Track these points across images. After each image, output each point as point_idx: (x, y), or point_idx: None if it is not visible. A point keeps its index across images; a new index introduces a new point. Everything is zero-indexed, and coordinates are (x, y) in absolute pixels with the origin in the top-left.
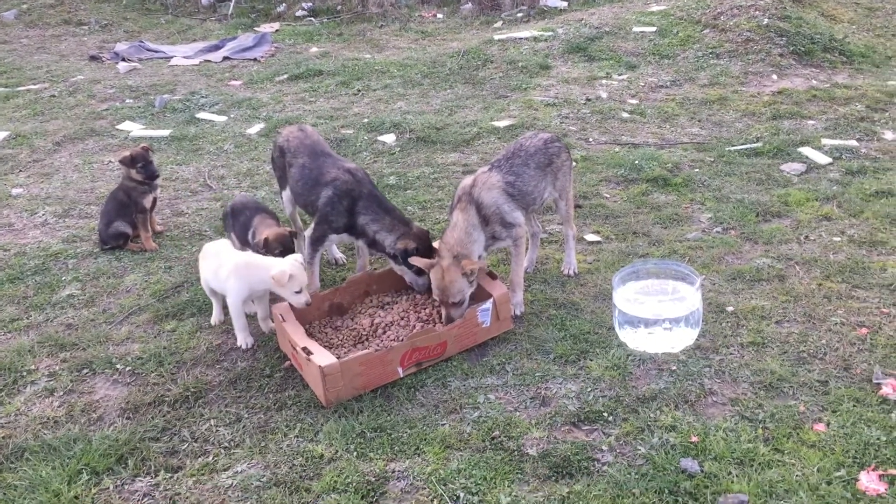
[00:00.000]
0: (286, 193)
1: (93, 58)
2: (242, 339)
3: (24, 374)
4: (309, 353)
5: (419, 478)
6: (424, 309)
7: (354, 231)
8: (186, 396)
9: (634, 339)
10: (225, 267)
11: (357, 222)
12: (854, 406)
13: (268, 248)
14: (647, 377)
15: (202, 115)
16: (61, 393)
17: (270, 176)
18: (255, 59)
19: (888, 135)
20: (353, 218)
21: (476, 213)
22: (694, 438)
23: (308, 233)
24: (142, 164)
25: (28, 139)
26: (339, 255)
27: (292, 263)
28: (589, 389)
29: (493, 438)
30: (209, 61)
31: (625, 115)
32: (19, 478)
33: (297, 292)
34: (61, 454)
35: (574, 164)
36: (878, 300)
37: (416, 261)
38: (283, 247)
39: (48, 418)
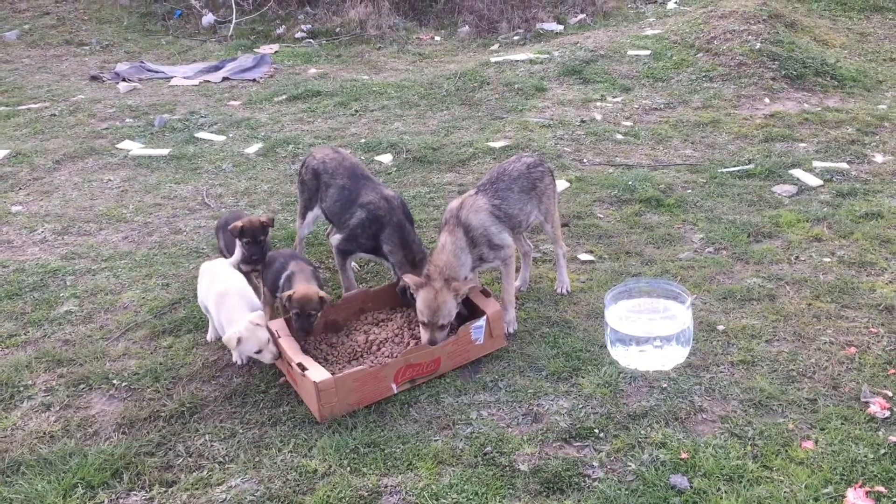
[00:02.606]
0: (311, 214)
1: (93, 77)
2: (237, 356)
3: (21, 388)
4: (304, 368)
5: (412, 493)
6: (419, 326)
7: (380, 254)
8: (182, 412)
9: (626, 357)
10: (211, 291)
11: (381, 248)
12: (842, 424)
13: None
14: (638, 394)
15: (201, 134)
16: (58, 408)
17: (268, 195)
18: (254, 80)
19: (878, 158)
20: (377, 242)
21: (464, 235)
22: (684, 455)
23: (335, 242)
24: (248, 241)
25: (28, 157)
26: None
27: (245, 326)
28: (580, 406)
29: (485, 454)
30: (209, 82)
31: (619, 136)
32: (15, 492)
33: (257, 352)
34: (57, 468)
35: (568, 184)
36: (866, 320)
37: (408, 278)
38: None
39: (44, 433)
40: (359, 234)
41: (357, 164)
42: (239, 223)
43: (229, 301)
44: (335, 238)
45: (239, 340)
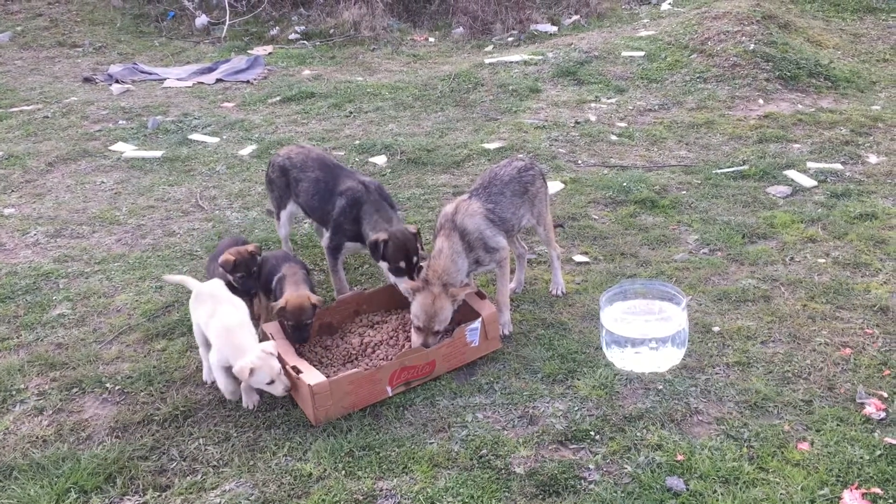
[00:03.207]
0: (285, 213)
1: (86, 79)
2: (247, 399)
3: (14, 392)
4: (298, 371)
5: (407, 496)
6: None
7: (362, 240)
8: (175, 415)
9: (621, 359)
10: (213, 322)
11: (361, 230)
12: (838, 425)
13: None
14: (634, 396)
15: (195, 136)
16: (51, 412)
17: (262, 196)
18: (247, 82)
19: (872, 158)
20: (359, 227)
21: (460, 239)
22: (680, 457)
23: (325, 242)
24: (241, 276)
25: (21, 160)
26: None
27: (258, 355)
28: (576, 408)
29: (480, 457)
30: (202, 83)
31: (613, 137)
32: (7, 497)
33: (268, 384)
34: (50, 473)
35: (563, 185)
36: (861, 321)
37: (407, 283)
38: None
39: (37, 437)
40: (342, 221)
41: (324, 155)
42: (231, 257)
43: (238, 332)
44: (325, 238)
45: (251, 371)
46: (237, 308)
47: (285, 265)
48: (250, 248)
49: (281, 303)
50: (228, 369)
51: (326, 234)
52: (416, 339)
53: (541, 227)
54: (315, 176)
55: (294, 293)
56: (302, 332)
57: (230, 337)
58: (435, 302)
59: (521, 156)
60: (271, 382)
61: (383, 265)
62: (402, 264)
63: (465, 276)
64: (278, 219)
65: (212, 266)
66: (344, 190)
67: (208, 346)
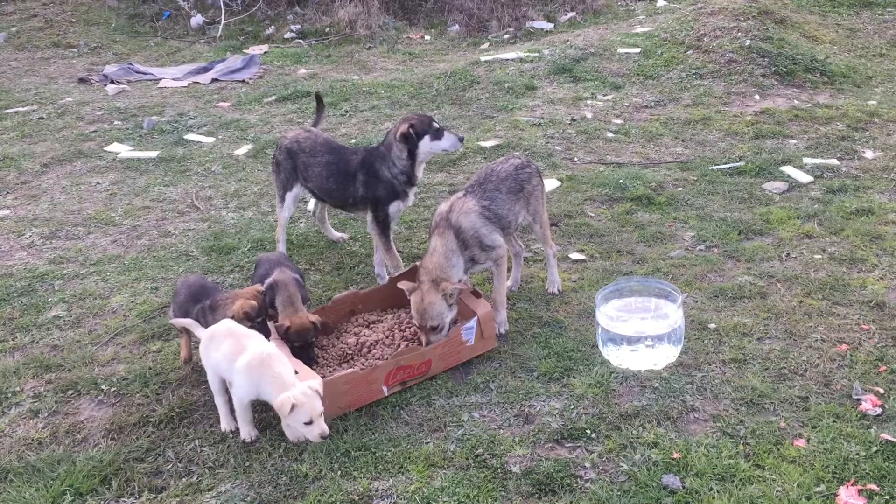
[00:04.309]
0: (290, 195)
1: (81, 80)
2: (246, 431)
3: (9, 395)
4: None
5: (403, 496)
6: (409, 328)
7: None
8: (171, 417)
9: (617, 357)
10: (243, 358)
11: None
12: (834, 422)
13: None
14: (630, 394)
15: (190, 136)
16: (46, 414)
17: (258, 196)
18: (243, 81)
19: (868, 154)
20: (378, 180)
21: (454, 237)
22: (676, 455)
23: (373, 220)
24: (260, 320)
25: (16, 161)
26: (336, 234)
27: (304, 391)
28: (572, 407)
29: (476, 456)
30: (198, 83)
31: (609, 134)
32: (3, 499)
33: (306, 423)
34: (45, 475)
35: (559, 183)
36: (857, 317)
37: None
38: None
39: (32, 439)
40: (376, 188)
41: (330, 139)
42: (254, 302)
43: (278, 363)
44: (370, 217)
45: (293, 408)
46: (267, 342)
47: (277, 270)
48: (260, 288)
49: (285, 324)
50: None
51: (371, 214)
52: (422, 339)
53: (537, 224)
54: (326, 160)
55: (294, 316)
56: (308, 352)
57: (270, 367)
58: (424, 298)
59: (517, 153)
60: (310, 422)
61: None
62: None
63: (462, 275)
64: (282, 201)
65: (191, 308)
66: (358, 164)
67: (226, 391)
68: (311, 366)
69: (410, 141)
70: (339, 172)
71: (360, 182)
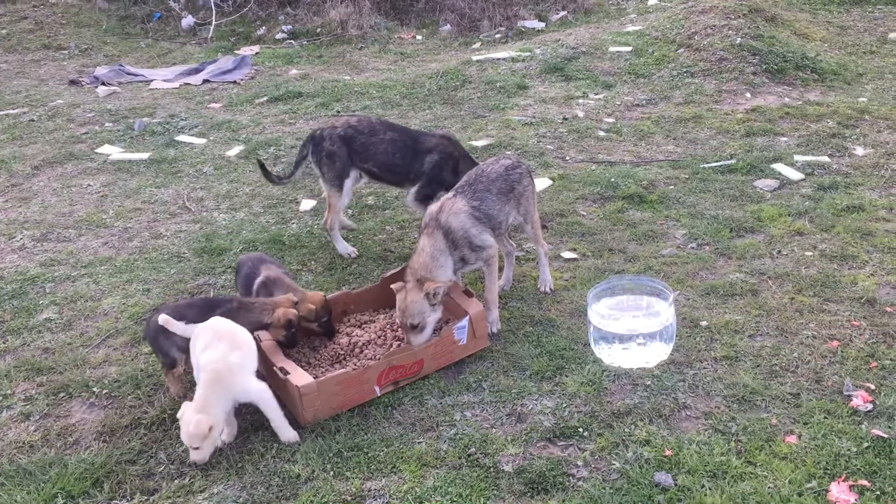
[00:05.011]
0: (348, 182)
1: (72, 82)
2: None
3: (0, 398)
4: (286, 372)
5: (395, 496)
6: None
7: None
8: (163, 419)
9: (609, 355)
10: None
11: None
12: (825, 418)
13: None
14: (622, 392)
15: (182, 137)
16: (37, 417)
17: (249, 197)
18: (234, 82)
19: (859, 151)
20: (456, 177)
21: (443, 237)
22: (668, 452)
23: (414, 192)
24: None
25: (6, 163)
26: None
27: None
28: (564, 405)
29: (469, 455)
30: (189, 84)
31: (601, 133)
32: None
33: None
34: (37, 478)
35: (551, 182)
36: (848, 313)
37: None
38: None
39: (24, 442)
40: (439, 174)
41: (383, 119)
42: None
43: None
44: (412, 191)
45: (212, 428)
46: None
47: (263, 267)
48: (293, 298)
49: (312, 307)
50: None
51: (414, 188)
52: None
53: (528, 224)
54: (391, 137)
55: (308, 297)
56: (328, 325)
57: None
58: (407, 297)
59: (508, 154)
60: (198, 448)
61: None
62: None
63: (452, 275)
64: (340, 189)
65: (190, 312)
66: (433, 147)
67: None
68: (332, 337)
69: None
70: (408, 148)
71: (429, 161)
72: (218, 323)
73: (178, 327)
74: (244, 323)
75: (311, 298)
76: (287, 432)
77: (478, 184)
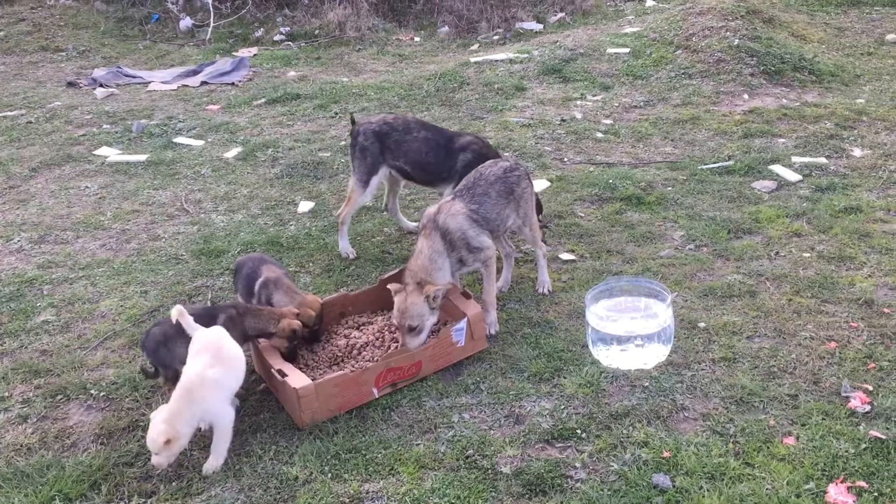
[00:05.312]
0: (375, 178)
1: (70, 84)
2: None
3: None
4: (284, 375)
5: (393, 498)
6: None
7: None
8: None
9: (607, 357)
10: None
11: None
12: (823, 419)
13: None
14: (620, 394)
15: (179, 139)
16: (35, 419)
17: (247, 199)
18: (232, 84)
19: (857, 152)
20: None
21: (441, 239)
22: (666, 454)
23: (450, 191)
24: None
25: (4, 165)
26: (411, 224)
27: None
28: (562, 407)
29: (467, 457)
30: (187, 86)
31: (599, 135)
32: None
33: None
34: (34, 481)
35: (549, 183)
36: (846, 314)
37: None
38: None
39: (21, 445)
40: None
41: (418, 118)
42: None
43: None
44: (447, 191)
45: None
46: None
47: (264, 267)
48: (294, 310)
49: (310, 312)
50: None
51: (449, 188)
52: (400, 340)
53: (527, 227)
54: (424, 135)
55: (307, 301)
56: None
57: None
58: (406, 299)
59: (506, 155)
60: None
61: None
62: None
63: (450, 277)
64: (365, 186)
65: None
66: (466, 145)
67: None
68: (316, 343)
69: None
70: (441, 147)
71: (462, 159)
72: (212, 333)
73: (189, 323)
74: (249, 328)
75: (310, 304)
76: (215, 461)
77: (476, 187)
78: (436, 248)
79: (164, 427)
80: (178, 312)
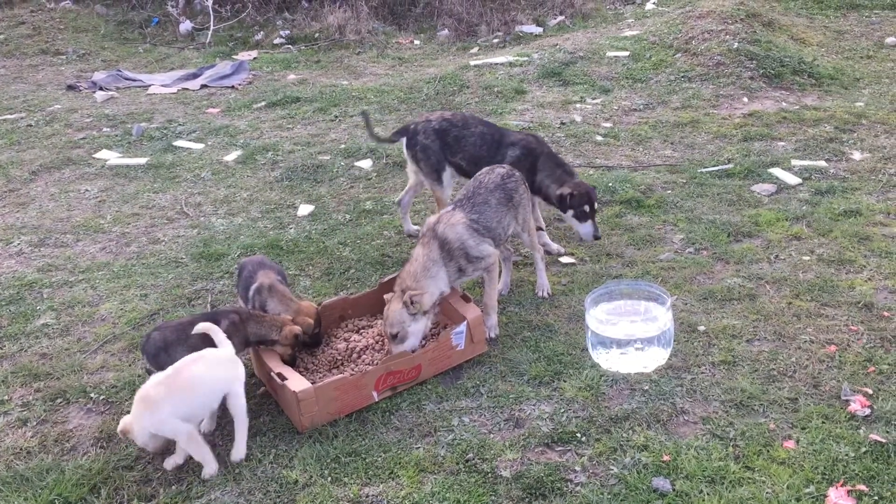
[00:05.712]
0: (446, 175)
1: (70, 87)
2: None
3: None
4: (283, 378)
5: (393, 502)
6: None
7: (533, 187)
8: None
9: (607, 360)
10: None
11: (536, 178)
12: (823, 423)
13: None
14: (620, 397)
15: (179, 142)
16: (34, 423)
17: (247, 202)
18: (232, 87)
19: (856, 155)
20: (533, 175)
21: (438, 249)
22: (666, 457)
23: None
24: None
25: (4, 169)
26: (413, 227)
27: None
28: (562, 410)
29: (466, 461)
30: (187, 89)
31: (599, 138)
32: None
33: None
34: (34, 485)
35: None
36: (846, 318)
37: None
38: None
39: (21, 448)
40: (516, 167)
41: (474, 115)
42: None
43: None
44: None
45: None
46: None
47: (261, 272)
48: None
49: (308, 321)
50: None
51: None
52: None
53: (525, 232)
54: (480, 130)
55: (303, 308)
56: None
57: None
58: (389, 306)
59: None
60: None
61: (568, 213)
62: (586, 208)
63: (445, 286)
64: (440, 182)
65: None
66: (516, 141)
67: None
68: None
69: (563, 204)
70: (494, 141)
71: (510, 154)
72: (191, 358)
73: (221, 339)
74: (251, 334)
75: (305, 311)
76: (208, 468)
77: (476, 196)
78: (431, 257)
79: (126, 427)
80: (206, 328)
